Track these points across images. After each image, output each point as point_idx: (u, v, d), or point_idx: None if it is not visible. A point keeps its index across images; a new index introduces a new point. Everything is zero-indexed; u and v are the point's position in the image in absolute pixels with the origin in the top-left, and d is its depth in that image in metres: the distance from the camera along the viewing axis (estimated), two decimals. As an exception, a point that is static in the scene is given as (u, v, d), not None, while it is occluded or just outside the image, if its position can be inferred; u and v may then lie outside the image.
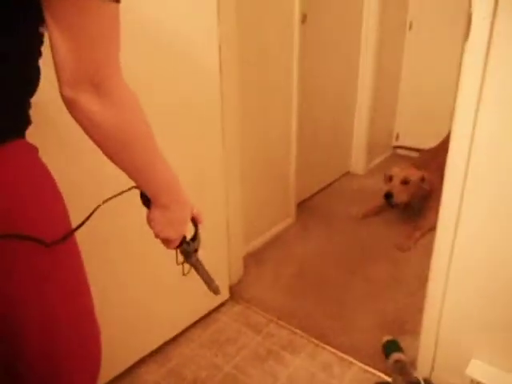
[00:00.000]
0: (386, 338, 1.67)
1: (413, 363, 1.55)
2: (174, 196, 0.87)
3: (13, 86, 0.70)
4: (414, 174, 2.57)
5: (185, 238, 0.98)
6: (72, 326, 0.85)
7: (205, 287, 1.09)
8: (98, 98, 0.66)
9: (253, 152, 2.23)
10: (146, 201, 0.88)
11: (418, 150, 3.77)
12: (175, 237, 0.93)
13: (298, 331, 1.84)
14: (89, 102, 0.66)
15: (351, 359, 1.68)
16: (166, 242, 0.94)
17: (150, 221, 0.89)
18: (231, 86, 1.79)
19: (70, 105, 0.67)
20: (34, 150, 0.77)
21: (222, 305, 2.00)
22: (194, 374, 1.64)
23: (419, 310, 1.88)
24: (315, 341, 1.78)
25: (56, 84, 0.66)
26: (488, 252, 1.24)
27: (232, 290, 2.07)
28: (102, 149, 0.73)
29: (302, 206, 2.89)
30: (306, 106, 2.55)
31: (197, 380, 1.62)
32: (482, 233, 1.24)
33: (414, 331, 1.78)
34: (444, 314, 1.38)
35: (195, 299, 1.83)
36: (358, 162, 3.52)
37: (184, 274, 1.04)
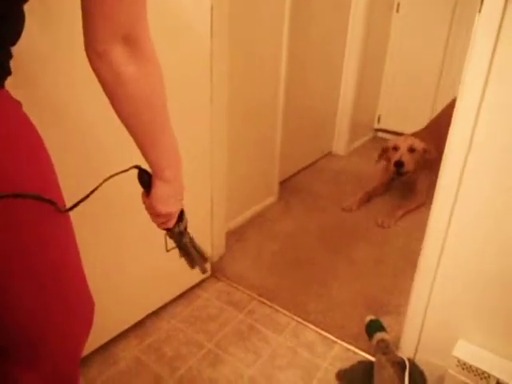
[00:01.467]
0: (369, 317, 1.66)
1: (395, 343, 1.55)
2: (177, 171, 0.87)
3: None
4: (419, 144, 2.56)
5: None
6: (62, 293, 0.82)
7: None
8: (129, 53, 0.67)
9: (239, 128, 2.18)
10: (145, 180, 0.86)
11: (398, 134, 3.79)
12: (176, 211, 0.92)
13: (280, 309, 1.82)
14: (121, 56, 0.67)
15: (334, 338, 1.67)
16: (166, 220, 0.92)
17: (151, 199, 0.87)
18: (221, 60, 1.72)
19: (100, 58, 0.66)
20: (15, 102, 0.72)
21: (203, 281, 1.96)
22: (175, 351, 1.61)
23: (402, 290, 1.91)
24: (298, 319, 1.77)
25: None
26: (483, 236, 1.23)
27: (213, 266, 2.03)
28: (119, 108, 0.72)
29: (284, 184, 2.86)
30: (292, 85, 2.50)
31: (177, 356, 1.58)
32: (478, 217, 1.22)
33: (397, 312, 1.80)
34: (433, 295, 1.37)
35: (176, 274, 1.78)
36: (340, 142, 3.51)
37: (181, 256, 1.01)
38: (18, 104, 0.73)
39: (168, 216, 0.91)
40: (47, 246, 0.77)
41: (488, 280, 1.26)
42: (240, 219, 2.42)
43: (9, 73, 0.71)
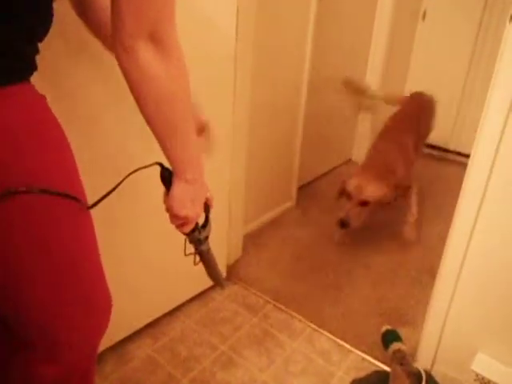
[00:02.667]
0: (386, 327, 1.63)
1: (412, 355, 1.53)
2: (198, 173, 0.87)
3: (24, 22, 0.66)
4: (374, 193, 2.08)
5: (197, 224, 0.95)
6: (80, 289, 0.84)
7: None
8: (155, 50, 0.68)
9: (259, 132, 2.17)
10: (167, 179, 0.86)
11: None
12: (193, 216, 0.90)
13: (295, 314, 1.80)
14: (147, 52, 0.68)
15: (349, 347, 1.65)
16: (183, 223, 0.91)
17: (169, 199, 0.87)
18: (245, 51, 1.71)
19: (127, 55, 0.68)
20: (40, 96, 0.73)
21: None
22: (188, 351, 1.60)
23: (419, 301, 1.88)
24: (313, 325, 1.75)
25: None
26: (506, 248, 1.20)
27: (229, 269, 2.03)
28: (144, 105, 0.73)
29: (302, 190, 2.85)
30: (313, 91, 2.49)
31: (191, 357, 1.58)
32: (501, 228, 1.20)
33: (414, 323, 1.77)
34: (452, 307, 1.35)
35: (192, 275, 1.77)
36: (360, 150, 3.47)
37: (195, 264, 1.01)
38: (43, 98, 0.74)
39: (185, 219, 0.90)
40: (69, 241, 0.78)
41: (511, 293, 1.24)
42: (257, 223, 2.41)
43: (35, 68, 0.72)
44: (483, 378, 1.25)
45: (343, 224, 2.11)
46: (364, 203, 2.10)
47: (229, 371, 1.53)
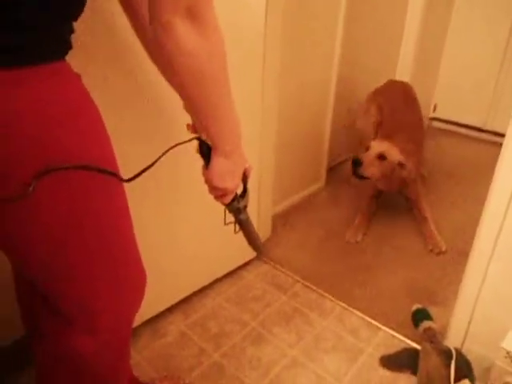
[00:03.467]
0: (416, 306, 1.63)
1: (442, 334, 1.52)
2: (237, 144, 0.88)
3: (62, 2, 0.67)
4: (395, 154, 2.13)
5: (236, 194, 0.97)
6: (115, 263, 0.86)
7: (244, 244, 1.07)
8: (193, 25, 0.68)
9: (290, 111, 2.17)
10: (205, 153, 0.87)
11: (455, 124, 3.65)
12: (233, 187, 0.93)
13: (325, 294, 1.81)
14: (184, 27, 0.68)
15: (379, 325, 1.66)
16: (222, 194, 0.93)
17: (208, 172, 0.89)
18: (274, 40, 1.72)
19: (164, 30, 0.68)
20: (75, 75, 0.75)
21: (248, 263, 1.98)
22: (219, 327, 1.64)
23: (450, 282, 1.86)
24: (343, 304, 1.76)
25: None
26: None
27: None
28: (183, 80, 0.74)
29: (332, 171, 2.83)
30: (345, 70, 2.46)
31: (221, 333, 1.62)
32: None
33: (444, 302, 1.76)
34: (484, 287, 1.33)
35: (223, 254, 1.82)
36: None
37: (236, 232, 1.03)
38: (78, 77, 0.76)
39: (224, 191, 0.92)
40: (104, 217, 0.80)
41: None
42: (286, 204, 2.42)
43: (70, 47, 0.74)
44: (515, 356, 1.24)
45: (355, 163, 2.09)
46: (381, 156, 2.11)
47: (259, 347, 1.56)
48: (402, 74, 3.19)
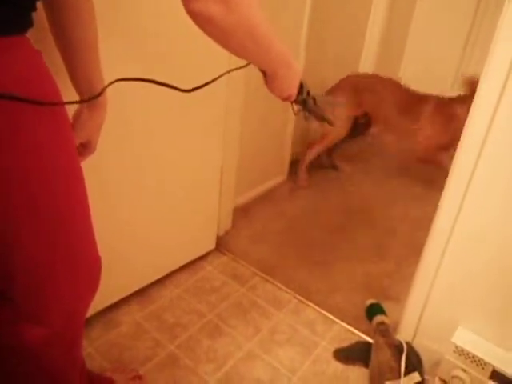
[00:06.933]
0: (370, 301, 1.67)
1: (394, 328, 1.56)
2: (288, 65, 0.95)
3: None
4: None
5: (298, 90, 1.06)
6: (68, 245, 0.84)
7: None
8: (220, 4, 0.69)
9: (254, 103, 2.16)
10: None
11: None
12: (293, 92, 1.02)
13: (282, 286, 1.83)
14: (215, 5, 0.69)
15: (334, 318, 1.69)
16: (286, 98, 1.04)
17: (269, 89, 1.00)
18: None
19: (196, 16, 0.70)
20: (35, 50, 0.73)
21: (207, 254, 1.98)
22: (176, 319, 1.63)
23: (404, 277, 1.91)
24: (299, 297, 1.78)
25: None
26: (489, 225, 1.22)
27: (218, 241, 2.04)
28: (227, 48, 0.79)
29: (295, 164, 2.85)
30: (310, 60, 2.47)
31: (178, 324, 1.60)
32: (487, 207, 1.22)
33: (397, 297, 1.80)
34: (436, 282, 1.37)
35: (182, 245, 1.80)
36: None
37: (306, 119, 1.14)
38: (38, 53, 0.73)
39: (288, 97, 1.02)
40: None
41: (491, 269, 1.26)
42: (248, 196, 2.42)
43: (31, 24, 0.71)
44: (462, 350, 1.29)
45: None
46: None
47: (215, 339, 1.56)
48: (365, 66, 3.22)
